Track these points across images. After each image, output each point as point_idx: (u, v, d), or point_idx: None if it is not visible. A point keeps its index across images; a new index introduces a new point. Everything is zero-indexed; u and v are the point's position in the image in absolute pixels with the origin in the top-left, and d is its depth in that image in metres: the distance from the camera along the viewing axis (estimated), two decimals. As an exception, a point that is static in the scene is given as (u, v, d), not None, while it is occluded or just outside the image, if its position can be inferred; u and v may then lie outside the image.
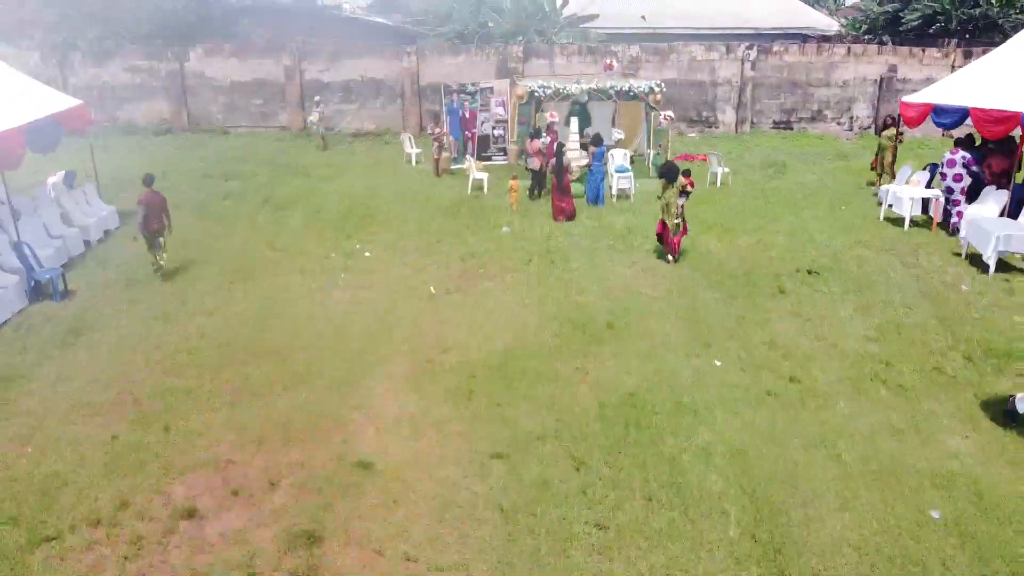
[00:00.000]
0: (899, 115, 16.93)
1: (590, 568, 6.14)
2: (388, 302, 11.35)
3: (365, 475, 7.08)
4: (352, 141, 24.81)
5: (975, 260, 12.73)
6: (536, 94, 19.25)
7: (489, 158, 20.78)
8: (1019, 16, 30.74)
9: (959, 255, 13.17)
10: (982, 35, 31.83)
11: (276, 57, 25.33)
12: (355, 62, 25.42)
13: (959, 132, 16.37)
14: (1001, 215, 13.63)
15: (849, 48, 26.21)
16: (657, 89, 19.57)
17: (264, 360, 9.52)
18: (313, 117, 23.23)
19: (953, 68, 25.44)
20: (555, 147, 15.85)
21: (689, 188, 13.07)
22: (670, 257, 13.08)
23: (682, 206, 13.01)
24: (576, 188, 16.33)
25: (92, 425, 8.05)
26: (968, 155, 14.70)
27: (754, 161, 21.84)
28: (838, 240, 14.27)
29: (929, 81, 25.38)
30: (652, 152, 19.83)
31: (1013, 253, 12.50)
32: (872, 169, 18.79)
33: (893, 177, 17.77)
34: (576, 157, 17.74)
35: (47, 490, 6.99)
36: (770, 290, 11.75)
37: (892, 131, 17.81)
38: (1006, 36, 30.99)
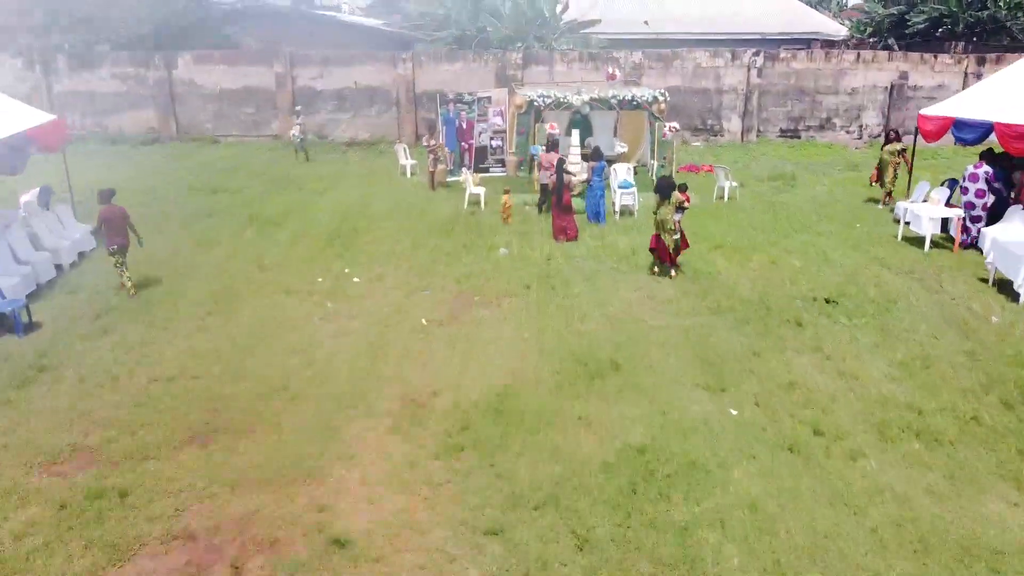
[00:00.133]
0: (899, 129, 16.21)
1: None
2: (376, 334, 10.58)
3: (342, 557, 6.28)
4: (346, 151, 24.06)
5: (1004, 287, 11.95)
6: (536, 104, 18.48)
7: (487, 170, 20.03)
8: (1030, 20, 30.03)
9: (985, 281, 12.40)
10: (990, 38, 31.06)
11: (267, 64, 24.58)
12: (349, 69, 24.66)
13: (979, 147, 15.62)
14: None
15: (859, 54, 25.42)
16: (661, 98, 18.79)
17: (239, 400, 8.76)
18: (294, 130, 22.23)
19: (966, 75, 24.69)
20: (556, 162, 15.05)
21: (686, 204, 12.41)
22: (673, 272, 12.52)
23: (678, 222, 12.34)
24: (576, 204, 15.56)
25: (46, 481, 7.29)
26: (991, 170, 13.93)
27: (761, 172, 21.08)
28: (854, 260, 13.52)
29: (941, 88, 24.68)
30: (656, 164, 19.07)
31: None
32: (871, 184, 18.00)
33: (890, 195, 17.10)
34: (578, 171, 16.96)
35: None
36: (786, 319, 10.98)
37: (895, 146, 17.05)
38: (1014, 39, 30.30)
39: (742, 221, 16.07)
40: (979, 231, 13.89)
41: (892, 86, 25.12)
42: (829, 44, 31.08)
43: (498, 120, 20.21)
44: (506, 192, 16.04)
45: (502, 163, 20.28)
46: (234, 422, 8.31)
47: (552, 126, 17.83)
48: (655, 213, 12.59)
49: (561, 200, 14.63)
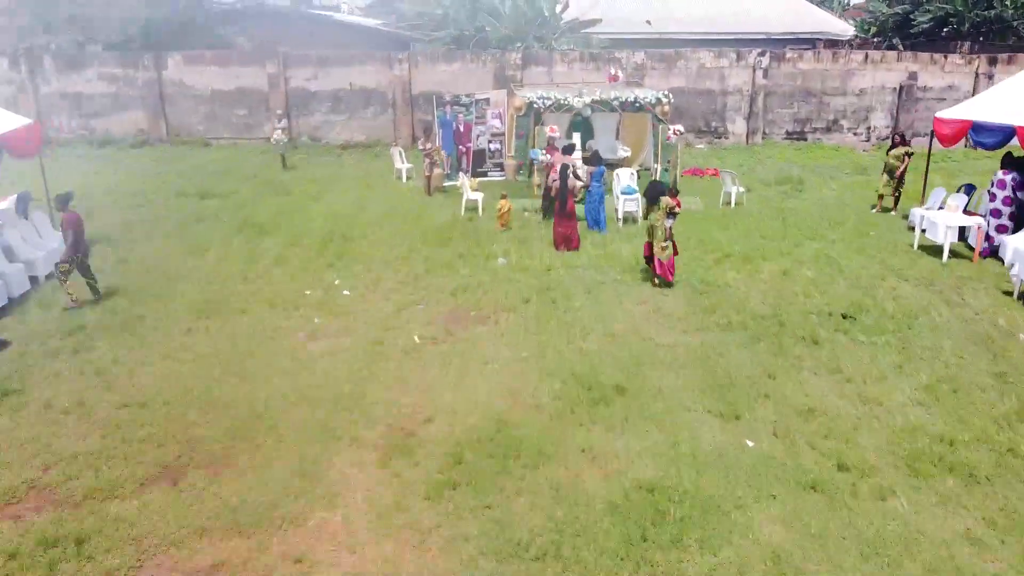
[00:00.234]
0: (908, 132, 15.56)
1: None
2: (366, 354, 9.92)
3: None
4: (341, 153, 23.44)
5: (1030, 301, 11.33)
6: (535, 105, 17.82)
7: (485, 174, 19.40)
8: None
9: (1009, 293, 11.75)
10: (996, 38, 30.44)
11: (260, 64, 23.94)
12: (344, 70, 24.03)
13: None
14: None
15: (867, 54, 24.77)
16: (665, 100, 18.12)
17: (215, 429, 8.10)
18: (276, 134, 21.54)
19: (977, 75, 24.06)
20: (560, 168, 14.37)
21: (676, 209, 11.83)
22: (657, 281, 12.01)
23: (670, 228, 11.70)
24: (576, 210, 14.88)
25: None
26: (1019, 176, 13.29)
27: (768, 176, 20.46)
28: (869, 271, 12.88)
29: (951, 89, 24.03)
30: (659, 167, 18.42)
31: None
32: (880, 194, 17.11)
33: (895, 201, 16.46)
34: (583, 174, 16.30)
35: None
36: (801, 336, 10.33)
37: (901, 150, 16.38)
38: (1021, 39, 29.68)
39: (750, 228, 15.42)
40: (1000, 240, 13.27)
41: (901, 87, 24.47)
42: (834, 43, 30.43)
43: (496, 122, 19.57)
44: (503, 196, 15.41)
45: (501, 167, 19.64)
46: (208, 455, 7.66)
47: (552, 129, 17.18)
48: (645, 218, 12.05)
49: (564, 206, 13.99)
